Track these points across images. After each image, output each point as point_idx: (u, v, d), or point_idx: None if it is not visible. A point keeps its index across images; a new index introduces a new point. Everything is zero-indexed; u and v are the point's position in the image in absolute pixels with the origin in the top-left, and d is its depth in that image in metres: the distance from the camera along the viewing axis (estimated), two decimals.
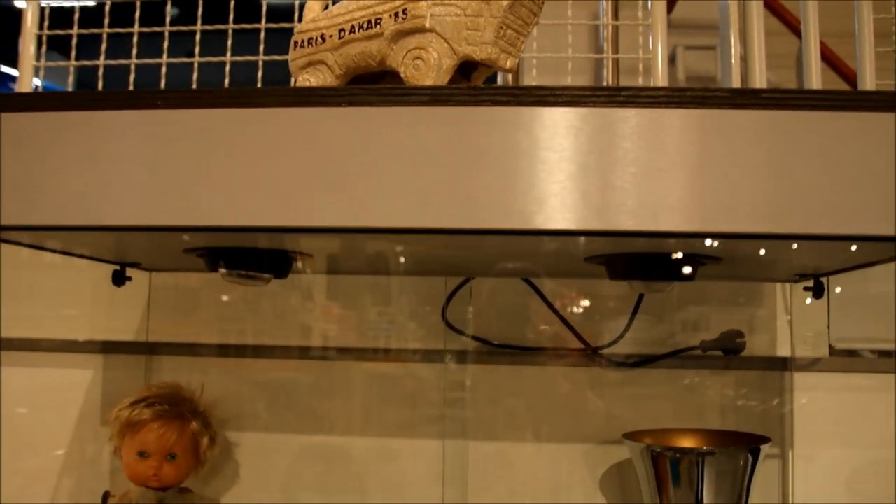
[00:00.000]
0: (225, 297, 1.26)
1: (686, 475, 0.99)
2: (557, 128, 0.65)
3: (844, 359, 1.17)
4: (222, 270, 0.93)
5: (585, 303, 1.20)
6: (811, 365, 1.17)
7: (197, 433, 1.11)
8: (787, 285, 1.18)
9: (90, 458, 1.23)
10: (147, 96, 0.70)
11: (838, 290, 1.16)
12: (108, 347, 1.25)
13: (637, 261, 0.86)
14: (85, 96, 0.73)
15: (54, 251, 0.98)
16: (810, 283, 1.11)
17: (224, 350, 1.25)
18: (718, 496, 0.98)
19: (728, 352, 1.17)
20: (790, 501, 1.15)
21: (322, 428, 1.23)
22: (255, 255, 0.91)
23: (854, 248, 0.76)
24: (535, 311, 1.20)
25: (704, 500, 0.98)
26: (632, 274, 0.88)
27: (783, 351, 1.18)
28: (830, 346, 1.18)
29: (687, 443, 1.08)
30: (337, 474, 1.22)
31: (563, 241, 0.80)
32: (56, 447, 1.22)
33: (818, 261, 0.92)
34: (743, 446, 1.03)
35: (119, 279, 1.17)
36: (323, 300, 1.25)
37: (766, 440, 1.04)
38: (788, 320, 1.19)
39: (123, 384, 1.20)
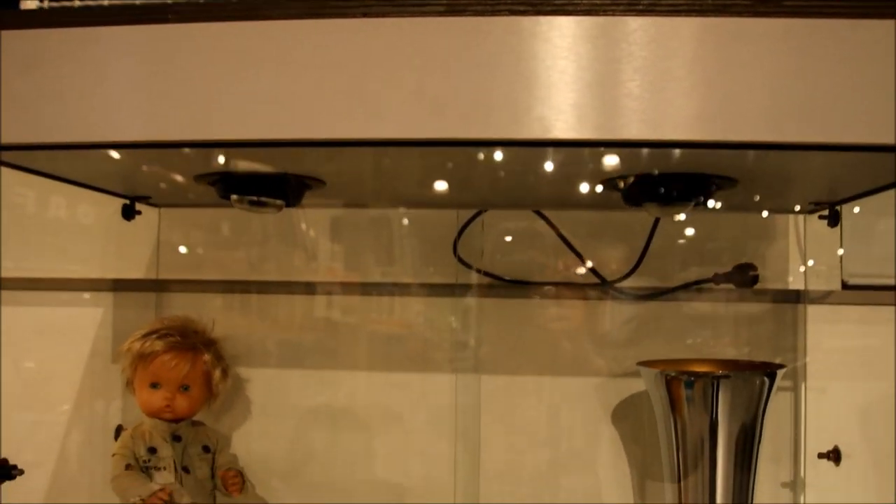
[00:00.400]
0: (236, 233, 1.25)
1: (701, 400, 0.98)
2: (576, 37, 0.64)
3: (857, 292, 1.17)
4: (234, 197, 0.92)
5: (597, 237, 1.20)
6: (823, 298, 1.17)
7: (209, 365, 1.11)
8: (801, 218, 1.17)
9: (102, 396, 1.23)
10: (156, 10, 0.69)
11: (850, 223, 1.16)
12: (119, 285, 1.25)
13: (652, 183, 0.85)
14: (92, 12, 0.72)
15: (63, 179, 0.97)
16: (825, 213, 1.10)
17: (233, 286, 1.24)
18: (733, 421, 0.98)
19: (741, 285, 1.16)
20: (803, 433, 1.15)
21: (333, 363, 1.23)
22: (266, 181, 0.91)
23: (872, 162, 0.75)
24: (547, 245, 1.19)
25: (719, 426, 0.98)
26: (647, 197, 0.88)
27: (796, 284, 1.18)
28: (843, 280, 1.17)
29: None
30: (348, 410, 1.22)
31: (580, 159, 0.79)
32: (67, 386, 1.21)
33: (835, 179, 0.91)
34: (758, 370, 1.02)
35: (129, 213, 1.16)
36: (334, 235, 1.24)
37: (780, 366, 1.03)
38: (801, 254, 1.18)
39: (134, 322, 1.19)
